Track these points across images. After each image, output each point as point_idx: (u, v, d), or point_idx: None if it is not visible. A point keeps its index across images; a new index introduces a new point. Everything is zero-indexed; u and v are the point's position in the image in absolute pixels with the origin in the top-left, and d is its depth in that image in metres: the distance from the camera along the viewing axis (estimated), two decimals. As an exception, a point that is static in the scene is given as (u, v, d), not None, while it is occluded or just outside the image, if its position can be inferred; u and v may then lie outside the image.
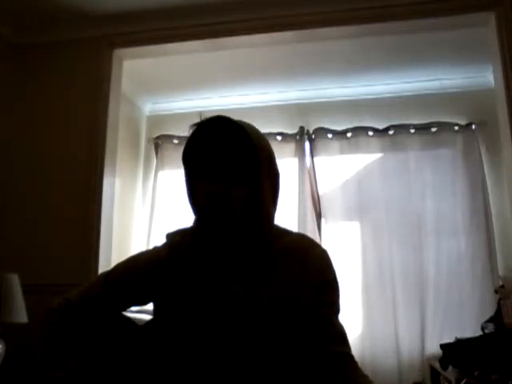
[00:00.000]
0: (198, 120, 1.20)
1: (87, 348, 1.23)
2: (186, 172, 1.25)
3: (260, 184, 1.18)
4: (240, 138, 1.16)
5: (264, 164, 1.18)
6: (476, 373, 2.12)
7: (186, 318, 1.22)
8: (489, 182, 3.44)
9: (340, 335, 1.22)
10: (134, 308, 1.39)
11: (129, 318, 1.33)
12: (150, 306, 1.35)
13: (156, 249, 1.33)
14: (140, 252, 1.39)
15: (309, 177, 3.66)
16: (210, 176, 1.18)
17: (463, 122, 3.57)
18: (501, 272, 3.25)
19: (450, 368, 2.49)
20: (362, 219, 3.55)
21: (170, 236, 1.33)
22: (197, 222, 1.26)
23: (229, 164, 1.17)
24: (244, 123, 1.19)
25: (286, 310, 1.20)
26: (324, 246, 3.67)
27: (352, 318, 3.35)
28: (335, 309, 1.26)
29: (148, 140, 3.99)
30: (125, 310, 1.32)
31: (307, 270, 1.24)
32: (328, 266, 1.28)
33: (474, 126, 3.53)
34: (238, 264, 1.23)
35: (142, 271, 1.28)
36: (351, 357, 1.21)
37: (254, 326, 1.19)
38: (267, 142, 1.25)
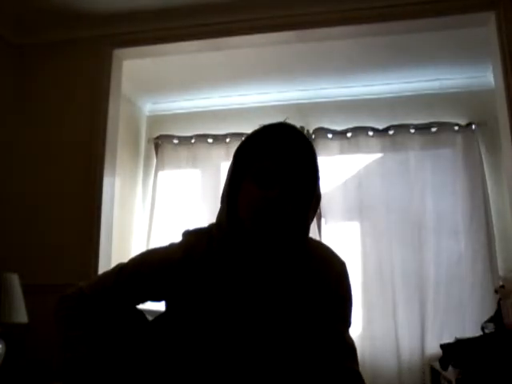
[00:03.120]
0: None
1: (97, 336, 1.24)
2: (233, 169, 1.21)
3: (310, 201, 1.18)
4: (304, 153, 1.16)
5: (318, 183, 1.19)
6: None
7: (196, 318, 1.22)
8: (489, 182, 3.44)
9: (351, 351, 1.20)
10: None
11: (141, 312, 1.33)
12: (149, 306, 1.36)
13: (172, 246, 1.30)
14: (156, 247, 1.36)
15: (309, 177, 3.66)
16: (267, 181, 1.15)
17: (463, 122, 3.57)
18: (501, 272, 3.24)
19: (450, 368, 2.49)
20: (362, 219, 3.55)
21: (186, 235, 1.31)
22: (232, 219, 1.20)
23: (289, 175, 1.15)
24: (309, 139, 1.18)
25: (301, 320, 1.19)
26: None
27: (352, 318, 3.35)
28: (347, 322, 1.25)
29: (148, 140, 3.99)
30: (137, 304, 1.32)
31: (325, 280, 1.23)
32: (345, 280, 1.26)
33: (473, 126, 3.53)
34: (259, 269, 1.21)
35: (156, 268, 1.26)
36: (360, 374, 1.19)
37: (266, 330, 1.18)
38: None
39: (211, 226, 1.29)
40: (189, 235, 1.31)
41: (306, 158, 1.16)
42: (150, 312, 1.39)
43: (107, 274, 1.31)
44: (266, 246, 1.19)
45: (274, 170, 1.15)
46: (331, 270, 1.24)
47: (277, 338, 1.18)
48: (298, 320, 1.19)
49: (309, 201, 1.18)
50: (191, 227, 1.33)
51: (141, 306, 1.35)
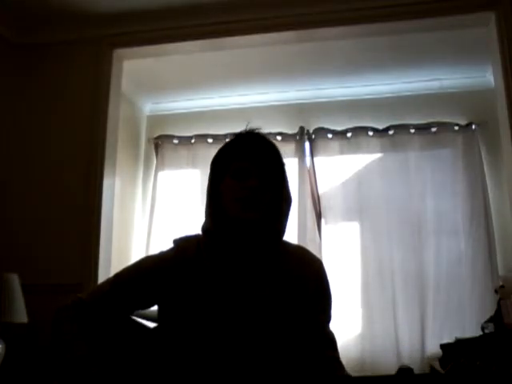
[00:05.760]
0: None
1: (96, 340, 1.28)
2: (213, 174, 1.35)
3: (281, 197, 1.32)
4: (274, 156, 1.34)
5: (286, 182, 1.35)
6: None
7: (188, 320, 1.27)
8: (489, 182, 3.44)
9: (332, 341, 1.30)
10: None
11: (137, 321, 1.39)
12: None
13: (162, 253, 1.39)
14: (149, 255, 1.46)
15: (309, 177, 3.66)
16: (246, 176, 1.28)
17: (463, 122, 3.57)
18: (501, 272, 3.25)
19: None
20: (362, 219, 3.55)
21: (176, 241, 1.39)
22: (217, 218, 1.31)
23: (262, 171, 1.30)
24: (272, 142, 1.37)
25: (285, 315, 1.27)
26: (324, 246, 3.67)
27: (352, 317, 3.35)
28: (328, 316, 1.35)
29: (148, 140, 3.99)
30: (133, 311, 1.38)
31: (305, 279, 1.33)
32: (324, 277, 1.37)
33: (474, 126, 3.53)
34: (245, 268, 1.30)
35: (148, 273, 1.34)
36: (340, 361, 1.29)
37: (256, 328, 1.25)
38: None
39: (198, 234, 1.39)
40: (179, 241, 1.39)
41: (274, 158, 1.34)
42: (148, 315, 1.42)
43: (104, 282, 1.38)
44: (251, 235, 1.29)
45: (248, 166, 1.30)
46: (310, 267, 1.35)
47: (264, 332, 1.25)
48: (283, 315, 1.27)
49: (280, 197, 1.32)
50: (180, 235, 1.42)
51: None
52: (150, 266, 1.35)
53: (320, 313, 1.32)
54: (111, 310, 1.32)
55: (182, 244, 1.37)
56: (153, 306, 1.37)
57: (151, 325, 1.41)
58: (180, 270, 1.31)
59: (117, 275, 1.36)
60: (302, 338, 1.27)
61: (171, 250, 1.37)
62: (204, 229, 1.36)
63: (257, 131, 1.37)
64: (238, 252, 1.30)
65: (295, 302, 1.29)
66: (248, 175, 1.28)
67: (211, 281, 1.28)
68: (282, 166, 1.34)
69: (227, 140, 1.39)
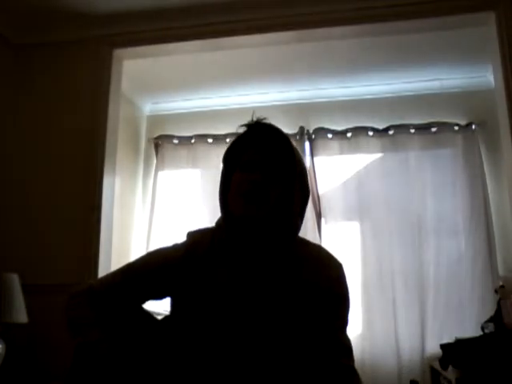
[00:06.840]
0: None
1: (107, 329, 1.28)
2: (225, 167, 1.33)
3: (292, 191, 1.27)
4: (284, 147, 1.29)
5: (298, 176, 1.29)
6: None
7: (197, 313, 1.26)
8: (489, 182, 3.44)
9: (348, 349, 1.24)
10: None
11: (148, 312, 1.38)
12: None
13: (175, 246, 1.38)
14: (162, 247, 1.43)
15: (309, 177, 3.66)
16: (249, 168, 1.26)
17: (463, 122, 3.57)
18: (501, 272, 3.25)
19: (450, 368, 2.49)
20: (362, 219, 3.55)
21: (190, 235, 1.38)
22: (226, 214, 1.30)
23: (269, 163, 1.27)
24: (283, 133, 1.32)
25: (298, 314, 1.23)
26: (324, 245, 3.66)
27: (352, 318, 3.35)
28: (344, 321, 1.30)
29: (148, 140, 3.99)
30: (143, 302, 1.38)
31: (323, 280, 1.27)
32: (343, 281, 1.32)
33: (474, 126, 3.53)
34: (257, 264, 1.27)
35: (159, 266, 1.33)
36: (355, 371, 1.23)
37: (267, 326, 1.22)
38: (303, 162, 1.38)
39: (213, 227, 1.37)
40: (193, 235, 1.38)
41: (282, 150, 1.29)
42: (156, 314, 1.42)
43: (116, 272, 1.38)
44: (256, 234, 1.26)
45: (256, 158, 1.28)
46: (328, 269, 1.30)
47: (273, 335, 1.22)
48: (295, 317, 1.23)
49: (290, 191, 1.26)
50: (195, 228, 1.40)
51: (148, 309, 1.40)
52: (160, 261, 1.34)
53: (336, 318, 1.26)
54: (122, 301, 1.32)
55: (195, 238, 1.35)
56: (165, 297, 1.36)
57: (161, 313, 1.41)
58: (191, 264, 1.29)
59: (128, 267, 1.36)
60: (316, 344, 1.21)
61: (183, 243, 1.36)
62: (217, 223, 1.35)
63: (268, 122, 1.33)
64: (249, 249, 1.28)
65: (309, 304, 1.24)
66: (254, 168, 1.26)
67: (222, 276, 1.26)
68: (292, 158, 1.28)
69: (233, 137, 1.35)
